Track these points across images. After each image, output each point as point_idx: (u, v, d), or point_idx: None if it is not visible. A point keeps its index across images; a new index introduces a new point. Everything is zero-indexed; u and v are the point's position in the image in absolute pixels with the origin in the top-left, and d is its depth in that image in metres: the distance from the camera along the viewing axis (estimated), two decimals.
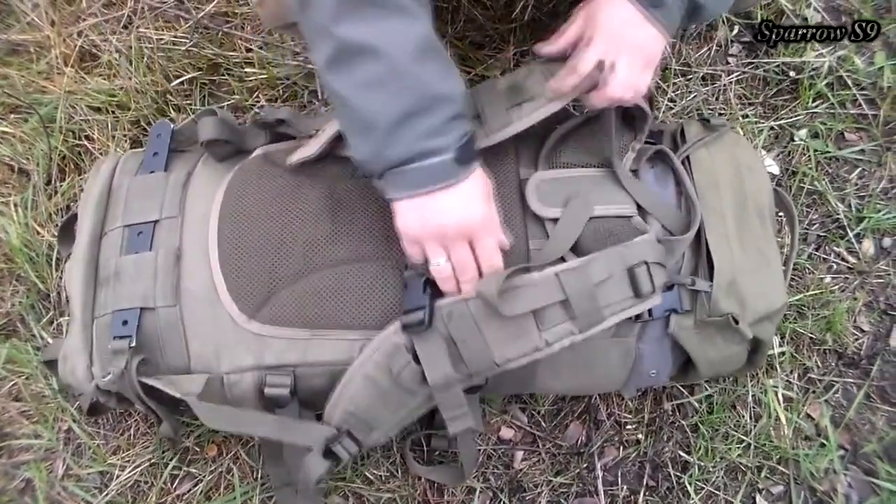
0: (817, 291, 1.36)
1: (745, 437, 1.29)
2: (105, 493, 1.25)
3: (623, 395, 1.30)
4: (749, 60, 1.49)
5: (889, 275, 1.39)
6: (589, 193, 1.01)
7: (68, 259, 1.07)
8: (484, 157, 1.03)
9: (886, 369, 1.35)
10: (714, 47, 1.50)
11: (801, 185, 1.43)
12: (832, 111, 1.47)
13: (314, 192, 1.02)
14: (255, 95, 1.45)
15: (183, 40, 1.47)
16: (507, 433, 1.29)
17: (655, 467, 1.29)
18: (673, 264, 1.00)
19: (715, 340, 1.03)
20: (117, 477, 1.25)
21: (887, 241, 1.41)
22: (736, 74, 1.48)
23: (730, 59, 1.50)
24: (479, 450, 1.27)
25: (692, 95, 1.46)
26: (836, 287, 1.38)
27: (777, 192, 1.14)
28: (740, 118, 1.45)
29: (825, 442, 1.29)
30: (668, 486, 1.28)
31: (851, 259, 1.41)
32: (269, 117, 1.11)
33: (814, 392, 1.33)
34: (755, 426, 1.30)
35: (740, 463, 1.28)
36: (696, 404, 1.31)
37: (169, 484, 1.26)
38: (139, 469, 1.26)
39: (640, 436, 1.30)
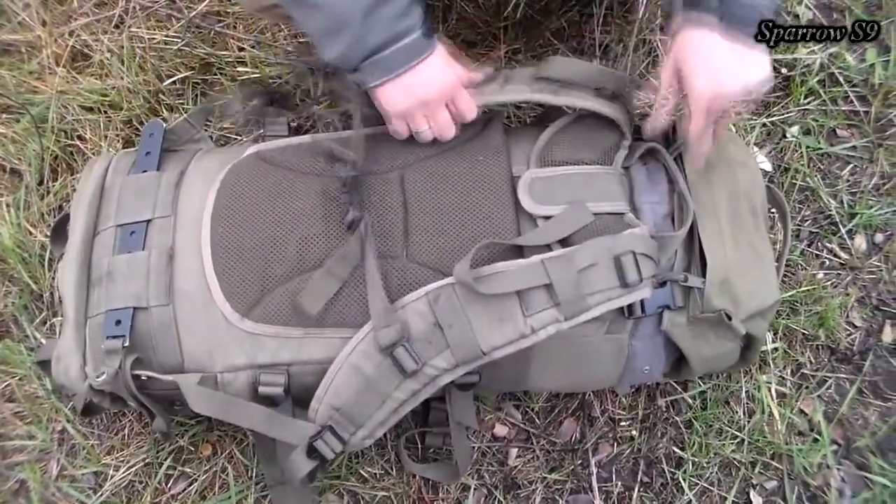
0: (810, 287, 1.37)
1: (738, 433, 1.29)
2: (99, 493, 1.24)
3: (617, 391, 1.30)
4: None
5: (881, 270, 1.40)
6: (582, 192, 1.01)
7: (61, 259, 1.07)
8: (476, 156, 1.04)
9: (879, 364, 1.36)
10: None
11: (794, 181, 1.43)
12: (824, 108, 1.48)
13: (307, 191, 1.02)
14: None
15: (175, 40, 1.46)
16: (501, 430, 1.30)
17: (650, 463, 1.29)
18: (666, 261, 1.00)
19: (708, 337, 1.03)
20: (112, 477, 1.25)
21: (879, 237, 1.42)
22: None
23: None
24: (474, 447, 1.27)
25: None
26: (829, 283, 1.39)
27: (769, 188, 1.14)
28: (732, 115, 1.45)
29: (818, 437, 1.30)
30: (663, 482, 1.28)
31: (844, 255, 1.41)
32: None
33: (807, 387, 1.33)
34: (749, 422, 1.30)
35: (734, 458, 1.29)
36: (690, 400, 1.31)
37: (164, 484, 1.25)
38: (133, 469, 1.25)
39: (634, 432, 1.30)
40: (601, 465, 1.29)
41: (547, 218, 0.99)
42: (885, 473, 1.28)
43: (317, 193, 1.02)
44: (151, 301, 0.98)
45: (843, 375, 1.35)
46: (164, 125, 1.14)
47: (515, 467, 1.28)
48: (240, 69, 1.44)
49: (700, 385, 1.31)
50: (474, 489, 1.26)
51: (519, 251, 0.98)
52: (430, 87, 0.97)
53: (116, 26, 1.49)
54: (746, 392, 1.31)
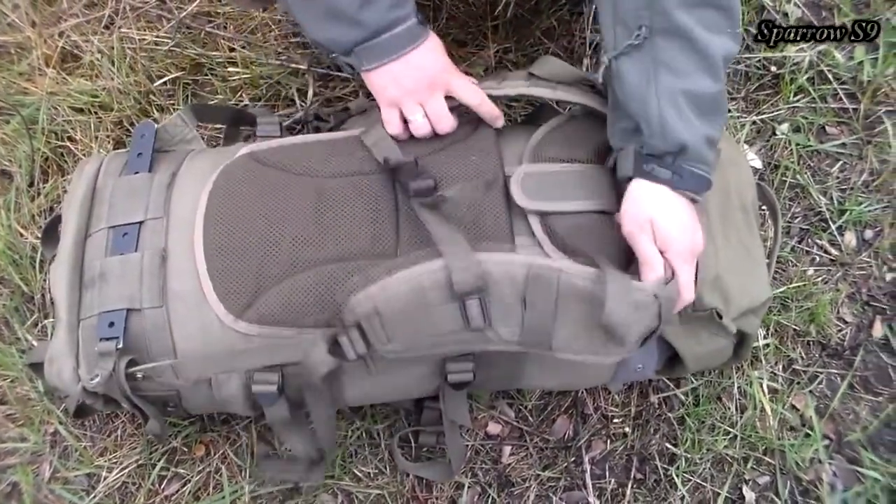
0: (801, 283, 1.38)
1: (731, 429, 1.30)
2: (93, 494, 1.24)
3: (609, 388, 1.31)
4: None
5: (871, 266, 1.41)
6: (573, 189, 1.01)
7: (52, 261, 1.06)
8: (468, 155, 1.04)
9: (869, 359, 1.37)
10: None
11: (784, 178, 1.44)
12: (813, 105, 1.49)
13: (300, 191, 1.02)
14: (238, 95, 1.45)
15: (165, 40, 1.46)
16: (494, 428, 1.30)
17: (643, 460, 1.29)
18: None
19: (700, 335, 1.04)
20: (105, 478, 1.25)
21: (869, 233, 1.43)
22: None
23: None
24: (467, 445, 1.28)
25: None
26: (819, 279, 1.40)
27: (760, 186, 1.15)
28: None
29: (810, 432, 1.31)
30: (656, 478, 1.28)
31: (834, 251, 1.42)
32: None
33: (798, 383, 1.34)
34: (741, 418, 1.31)
35: (727, 454, 1.29)
36: (683, 397, 1.31)
37: (157, 485, 1.25)
38: (127, 470, 1.25)
39: (627, 429, 1.30)
40: (594, 462, 1.29)
41: (538, 213, 0.99)
42: (877, 467, 1.29)
43: (310, 194, 1.01)
44: (145, 303, 0.98)
45: (834, 371, 1.36)
46: (155, 126, 1.13)
47: (509, 465, 1.28)
48: (230, 69, 1.44)
49: (692, 381, 1.32)
50: (468, 487, 1.26)
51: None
52: (424, 72, 0.98)
53: (106, 27, 1.49)
54: (738, 388, 1.32)
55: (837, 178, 1.46)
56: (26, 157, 1.39)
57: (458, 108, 1.04)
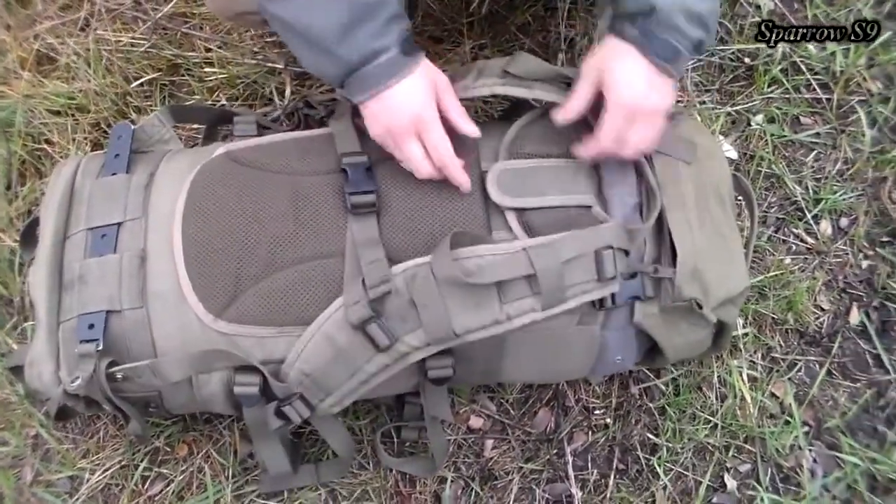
0: (778, 272, 1.39)
1: (711, 418, 1.31)
2: (76, 497, 1.24)
3: (590, 380, 1.31)
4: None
5: (847, 254, 1.42)
6: (550, 184, 1.02)
7: (31, 264, 1.06)
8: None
9: (847, 346, 1.38)
10: None
11: (759, 168, 1.45)
12: (787, 96, 1.50)
13: (277, 190, 1.02)
14: (215, 95, 1.45)
15: (141, 42, 1.46)
16: (476, 422, 1.30)
17: (624, 451, 1.30)
18: (635, 252, 1.01)
19: (680, 326, 1.05)
20: (88, 480, 1.24)
21: (844, 221, 1.44)
22: (692, 62, 1.50)
23: None
24: (450, 440, 1.28)
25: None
26: (796, 267, 1.41)
27: (736, 176, 1.15)
28: (697, 105, 1.47)
29: (790, 419, 1.32)
30: (638, 468, 1.29)
31: (810, 240, 1.43)
32: None
33: (777, 371, 1.35)
34: (721, 406, 1.32)
35: (708, 443, 1.30)
36: (663, 387, 1.32)
37: (140, 485, 1.25)
38: (109, 472, 1.25)
39: (608, 420, 1.31)
40: (576, 454, 1.30)
41: (514, 210, 1.00)
42: (856, 452, 1.30)
43: (287, 192, 1.02)
44: (124, 304, 0.98)
45: (813, 358, 1.37)
46: (132, 127, 1.13)
47: (491, 458, 1.29)
48: (207, 70, 1.44)
49: (672, 371, 1.33)
50: (451, 481, 1.26)
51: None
52: (409, 105, 0.94)
53: (82, 29, 1.49)
54: (718, 377, 1.33)
55: (812, 167, 1.47)
56: (3, 161, 1.39)
57: None
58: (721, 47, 1.51)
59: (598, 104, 0.99)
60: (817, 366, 1.36)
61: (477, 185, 1.02)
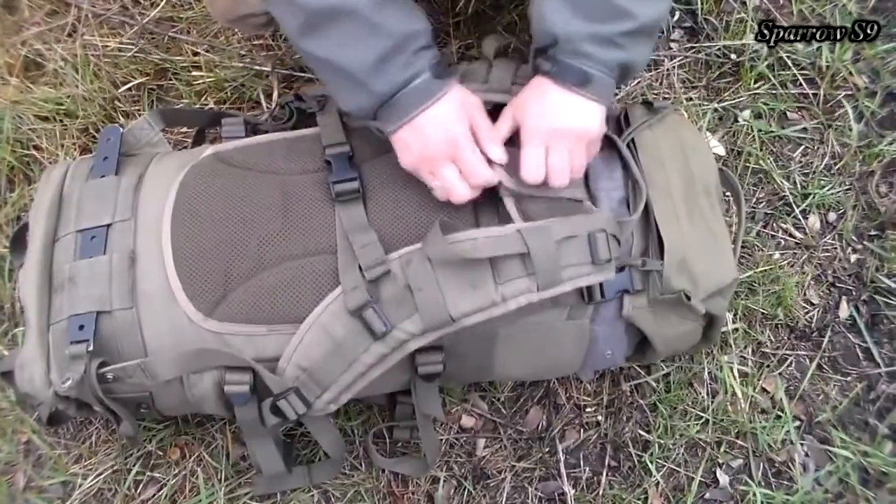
0: (767, 267, 1.39)
1: (703, 414, 1.31)
2: (68, 502, 1.24)
3: (581, 377, 1.32)
4: (691, 45, 1.52)
5: (835, 248, 1.43)
6: None
7: (21, 267, 1.06)
8: None
9: (837, 340, 1.38)
10: None
11: (747, 164, 1.46)
12: (774, 92, 1.50)
13: (266, 189, 1.03)
14: (203, 98, 1.45)
15: (129, 46, 1.46)
16: (468, 421, 1.31)
17: (616, 448, 1.31)
18: (623, 245, 1.01)
19: (669, 318, 1.05)
20: (80, 486, 1.25)
21: (832, 216, 1.45)
22: (678, 59, 1.51)
23: (672, 45, 1.52)
24: (441, 439, 1.28)
25: (636, 81, 1.48)
26: (785, 262, 1.41)
27: (723, 171, 1.16)
28: (684, 101, 1.48)
29: (781, 414, 1.32)
30: (630, 465, 1.30)
31: (798, 234, 1.44)
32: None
33: (768, 366, 1.36)
34: (712, 402, 1.32)
35: (699, 439, 1.30)
36: (654, 384, 1.33)
37: (133, 490, 1.25)
38: (102, 476, 1.25)
39: (599, 417, 1.31)
40: (569, 452, 1.30)
41: (514, 195, 1.00)
42: (847, 446, 1.30)
43: (276, 192, 1.03)
44: (115, 304, 0.98)
45: (803, 352, 1.37)
46: (121, 130, 1.13)
47: (484, 457, 1.29)
48: (195, 73, 1.44)
49: (663, 368, 1.33)
50: (444, 481, 1.27)
51: None
52: (442, 128, 0.94)
53: (69, 35, 1.49)
54: (709, 373, 1.33)
55: (800, 162, 1.47)
56: None
57: None
58: (707, 44, 1.51)
59: None
60: (808, 360, 1.37)
61: None
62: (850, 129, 1.48)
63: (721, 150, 1.45)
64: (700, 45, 1.51)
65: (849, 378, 1.36)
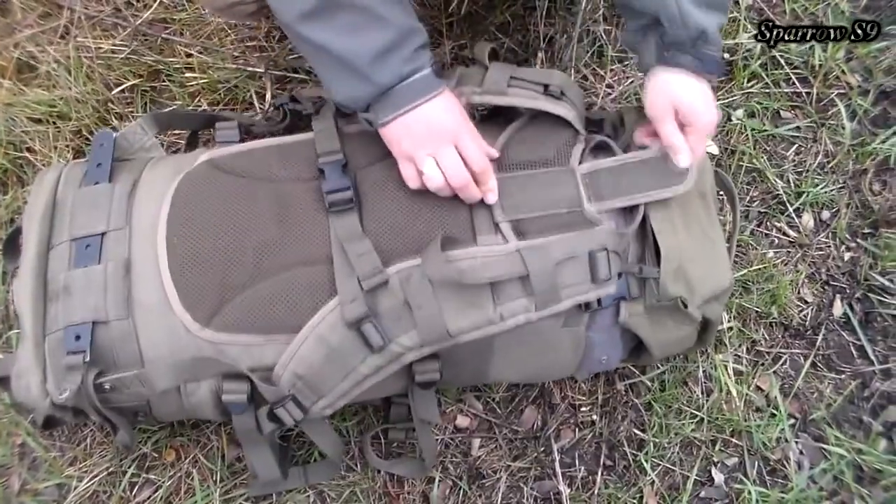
0: (761, 266, 1.40)
1: (697, 412, 1.31)
2: None
3: (576, 377, 1.32)
4: None
5: (829, 246, 1.43)
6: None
7: (15, 274, 1.06)
8: None
9: (831, 338, 1.39)
10: None
11: (741, 163, 1.46)
12: (767, 91, 1.51)
13: (261, 197, 1.02)
14: (196, 100, 1.45)
15: (122, 48, 1.46)
16: (463, 421, 1.31)
17: (612, 447, 1.31)
18: (620, 253, 1.01)
19: (665, 324, 1.05)
20: (75, 488, 1.24)
21: (826, 214, 1.45)
22: None
23: None
24: (437, 439, 1.28)
25: (629, 81, 1.48)
26: (779, 261, 1.42)
27: (717, 172, 1.16)
28: None
29: (775, 412, 1.33)
30: (625, 464, 1.30)
31: (792, 233, 1.44)
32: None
33: (762, 364, 1.36)
34: (707, 401, 1.32)
35: (694, 437, 1.31)
36: (649, 383, 1.33)
37: (128, 492, 1.25)
38: (97, 479, 1.25)
39: (594, 417, 1.32)
40: (564, 451, 1.30)
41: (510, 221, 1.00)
42: (842, 444, 1.31)
43: (271, 200, 1.02)
44: (110, 314, 0.97)
45: (797, 350, 1.38)
46: (114, 135, 1.13)
47: (479, 457, 1.29)
48: (188, 75, 1.44)
49: (658, 367, 1.33)
50: (439, 481, 1.27)
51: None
52: (433, 124, 0.95)
53: (62, 37, 1.48)
54: (704, 372, 1.34)
55: (793, 161, 1.48)
56: None
57: None
58: None
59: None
60: (802, 358, 1.37)
61: None
62: (843, 128, 1.48)
63: (715, 150, 1.46)
64: None
65: (843, 376, 1.37)
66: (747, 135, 1.47)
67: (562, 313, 1.01)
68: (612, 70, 1.49)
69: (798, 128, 1.49)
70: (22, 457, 1.27)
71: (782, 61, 1.51)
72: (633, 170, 1.03)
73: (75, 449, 1.27)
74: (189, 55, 1.46)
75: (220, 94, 1.44)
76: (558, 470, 1.28)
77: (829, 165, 1.47)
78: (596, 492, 1.28)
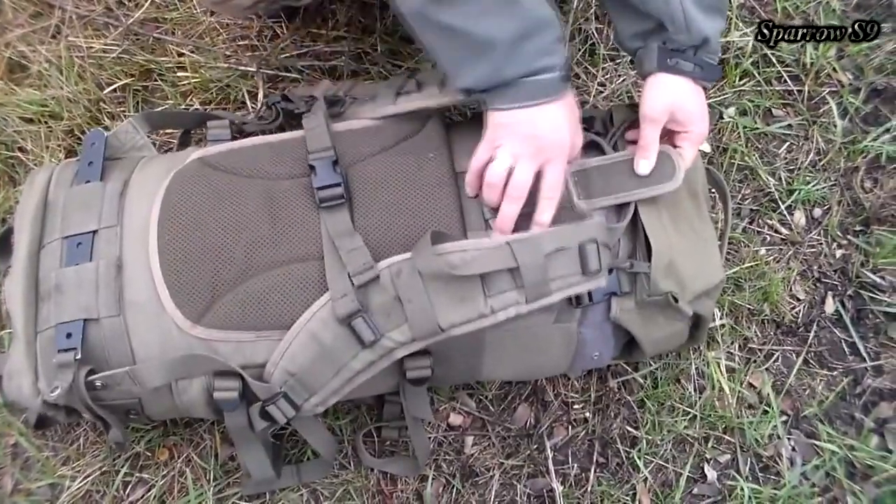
0: (753, 263, 1.40)
1: (690, 409, 1.32)
2: None
3: (569, 375, 1.32)
4: None
5: (821, 244, 1.44)
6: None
7: (6, 274, 1.05)
8: (420, 150, 1.05)
9: (823, 335, 1.39)
10: None
11: (733, 161, 1.46)
12: (759, 88, 1.51)
13: (252, 195, 1.02)
14: (188, 99, 1.45)
15: (113, 48, 1.46)
16: (456, 419, 1.31)
17: (605, 444, 1.31)
18: (611, 247, 1.01)
19: (657, 319, 1.06)
20: (68, 488, 1.24)
21: (817, 212, 1.46)
22: None
23: None
24: (430, 437, 1.28)
25: (621, 79, 1.49)
26: (771, 258, 1.42)
27: (709, 170, 1.16)
28: None
29: (768, 409, 1.33)
30: (618, 461, 1.30)
31: (784, 230, 1.44)
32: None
33: (755, 361, 1.36)
34: (700, 398, 1.33)
35: (687, 435, 1.31)
36: (641, 380, 1.33)
37: (122, 491, 1.25)
38: (90, 478, 1.24)
39: (587, 414, 1.32)
40: (557, 449, 1.30)
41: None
42: (834, 440, 1.31)
43: (262, 197, 1.02)
44: (102, 312, 0.97)
45: (789, 347, 1.38)
46: (105, 134, 1.13)
47: (472, 455, 1.29)
48: (180, 74, 1.44)
49: (650, 364, 1.33)
50: (432, 479, 1.27)
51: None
52: (541, 129, 0.94)
53: (53, 36, 1.48)
54: (696, 369, 1.34)
55: (785, 158, 1.48)
56: None
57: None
58: None
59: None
60: (794, 355, 1.38)
61: (451, 183, 1.03)
62: (835, 126, 1.49)
63: (707, 148, 1.46)
64: None
65: (835, 372, 1.37)
66: (739, 133, 1.47)
67: (553, 309, 1.01)
68: (603, 68, 1.49)
69: (790, 126, 1.50)
70: (14, 457, 1.27)
71: (774, 59, 1.51)
72: (622, 168, 1.03)
73: (68, 449, 1.26)
74: (181, 54, 1.46)
75: (212, 93, 1.44)
76: (551, 467, 1.28)
77: (821, 163, 1.47)
78: (589, 489, 1.28)
